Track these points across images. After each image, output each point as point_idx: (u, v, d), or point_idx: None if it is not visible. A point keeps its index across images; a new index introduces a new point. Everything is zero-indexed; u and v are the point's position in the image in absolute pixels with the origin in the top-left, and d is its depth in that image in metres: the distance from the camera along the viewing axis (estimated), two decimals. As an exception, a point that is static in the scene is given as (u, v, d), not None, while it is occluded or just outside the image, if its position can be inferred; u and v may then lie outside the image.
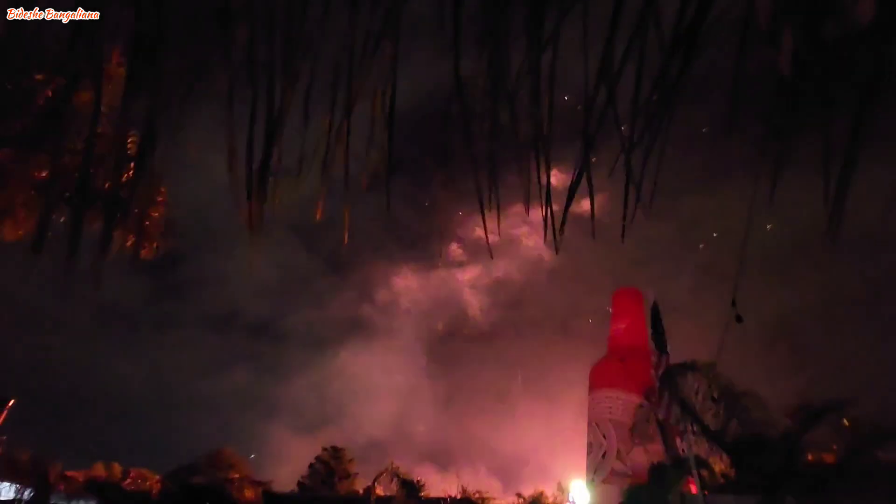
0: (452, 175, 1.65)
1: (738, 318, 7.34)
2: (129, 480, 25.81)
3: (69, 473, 24.44)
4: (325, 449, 41.86)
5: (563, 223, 1.37)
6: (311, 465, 40.88)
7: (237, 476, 33.14)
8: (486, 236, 1.45)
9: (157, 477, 27.99)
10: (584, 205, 1.51)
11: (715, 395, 7.36)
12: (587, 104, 1.22)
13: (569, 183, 1.31)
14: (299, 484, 38.99)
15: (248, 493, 21.59)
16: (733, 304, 7.46)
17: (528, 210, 1.48)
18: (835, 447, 5.79)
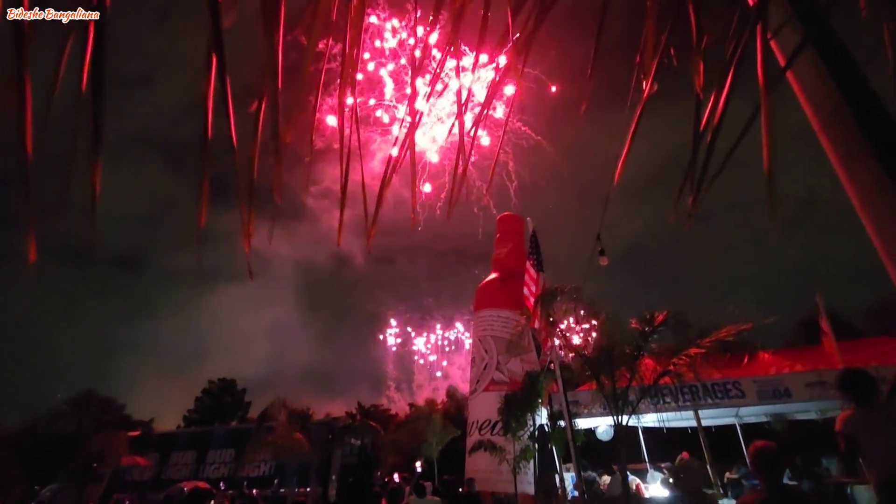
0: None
1: (602, 252, 8.07)
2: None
3: None
4: (212, 382, 40.16)
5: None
6: (197, 399, 39.16)
7: (110, 418, 30.74)
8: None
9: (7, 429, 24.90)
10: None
11: (578, 314, 8.22)
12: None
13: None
14: (185, 419, 37.42)
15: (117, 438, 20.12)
16: (598, 237, 8.04)
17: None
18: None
